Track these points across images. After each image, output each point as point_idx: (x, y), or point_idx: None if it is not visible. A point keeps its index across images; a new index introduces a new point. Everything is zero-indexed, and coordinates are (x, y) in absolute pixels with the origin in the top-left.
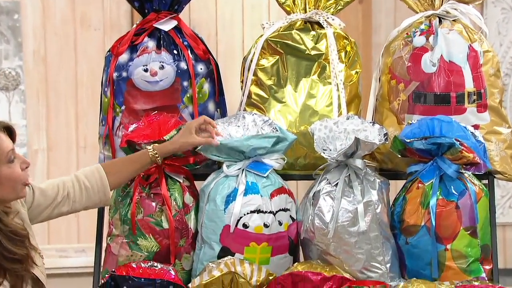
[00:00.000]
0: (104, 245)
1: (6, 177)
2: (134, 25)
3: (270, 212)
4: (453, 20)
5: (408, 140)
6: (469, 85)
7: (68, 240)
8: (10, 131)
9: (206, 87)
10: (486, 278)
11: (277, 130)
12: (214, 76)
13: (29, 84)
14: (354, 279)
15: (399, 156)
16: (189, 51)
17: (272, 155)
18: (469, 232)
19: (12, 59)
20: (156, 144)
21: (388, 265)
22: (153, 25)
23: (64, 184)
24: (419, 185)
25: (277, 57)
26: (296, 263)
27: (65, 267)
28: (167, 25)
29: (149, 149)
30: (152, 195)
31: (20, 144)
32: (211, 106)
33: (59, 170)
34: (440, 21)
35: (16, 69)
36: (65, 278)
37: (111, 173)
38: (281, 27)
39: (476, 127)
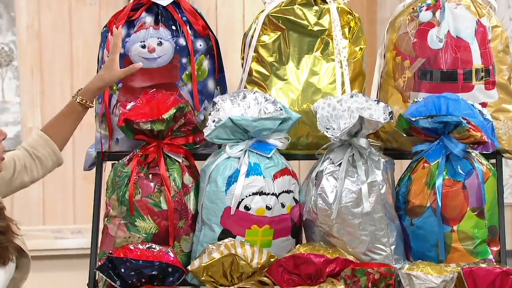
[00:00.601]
0: (101, 226)
1: None
2: (131, 0)
3: (273, 194)
4: None
5: (413, 119)
6: (477, 62)
7: (64, 221)
8: None
9: (206, 64)
10: (493, 260)
11: (281, 109)
12: (213, 52)
13: (23, 60)
14: (358, 261)
15: (404, 135)
16: (188, 26)
17: (275, 134)
18: (476, 213)
19: (5, 34)
20: (81, 89)
21: (392, 247)
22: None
23: (17, 156)
24: (425, 164)
25: (279, 33)
26: (299, 245)
27: (61, 248)
28: (165, 0)
29: (75, 97)
30: (150, 175)
31: (14, 122)
32: (210, 84)
33: None
34: None
35: (9, 45)
36: (61, 260)
37: (53, 134)
38: (283, 2)
39: (483, 105)
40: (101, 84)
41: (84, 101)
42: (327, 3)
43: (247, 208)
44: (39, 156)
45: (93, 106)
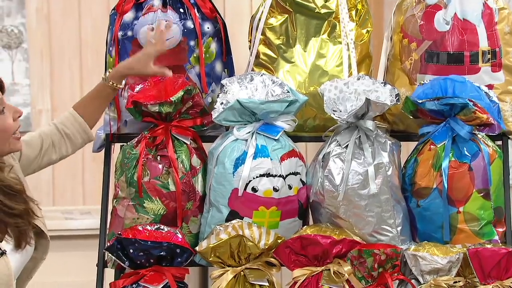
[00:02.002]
0: (110, 207)
1: None
2: None
3: (280, 175)
4: None
5: (420, 101)
6: (484, 44)
7: (73, 202)
8: None
9: (213, 46)
10: (499, 241)
11: (288, 92)
12: (221, 35)
13: (32, 43)
14: (364, 242)
15: (411, 117)
16: (195, 9)
17: (282, 116)
18: (482, 194)
19: (14, 16)
20: (110, 71)
21: (399, 228)
22: None
23: (45, 134)
24: (431, 146)
25: (286, 15)
26: (305, 226)
27: (71, 229)
28: None
29: (106, 80)
30: (158, 157)
31: (24, 104)
32: (218, 66)
33: None
34: None
35: (19, 27)
36: (70, 240)
37: (84, 113)
38: None
39: (490, 87)
40: (130, 72)
41: (112, 83)
42: None
43: (254, 189)
44: (68, 134)
45: (122, 88)
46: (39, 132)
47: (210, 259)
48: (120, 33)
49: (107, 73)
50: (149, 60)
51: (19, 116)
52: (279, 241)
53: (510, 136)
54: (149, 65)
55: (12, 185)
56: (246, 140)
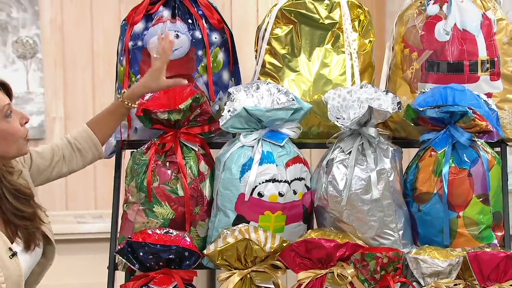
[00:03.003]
0: (120, 211)
1: (5, 132)
2: None
3: (285, 181)
4: None
5: (421, 109)
6: (482, 54)
7: (85, 206)
8: (5, 87)
9: (221, 56)
10: (498, 245)
11: (293, 100)
12: (228, 45)
13: (46, 53)
14: (367, 246)
15: (412, 124)
16: (203, 20)
17: (287, 124)
18: (481, 199)
19: (29, 28)
20: (126, 91)
21: (400, 232)
22: None
23: (58, 147)
24: (432, 153)
25: (291, 26)
26: (310, 230)
27: (83, 232)
28: None
29: (121, 99)
30: (167, 163)
31: (38, 112)
32: (225, 75)
33: None
34: None
35: (34, 38)
36: (82, 243)
37: (97, 129)
38: None
39: (489, 95)
40: (146, 91)
41: (127, 102)
42: None
43: (260, 194)
44: (80, 149)
45: (136, 107)
46: (51, 145)
47: (218, 262)
48: (130, 43)
49: (123, 91)
50: (160, 74)
51: (26, 122)
52: (284, 244)
53: (508, 143)
54: (162, 79)
55: (21, 189)
56: (253, 147)
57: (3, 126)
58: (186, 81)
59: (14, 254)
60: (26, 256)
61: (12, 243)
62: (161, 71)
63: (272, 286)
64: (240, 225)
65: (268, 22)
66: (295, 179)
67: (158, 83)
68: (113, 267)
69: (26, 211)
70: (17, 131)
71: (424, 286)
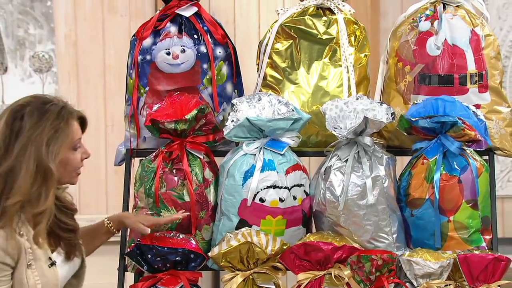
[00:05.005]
0: None
1: (67, 162)
2: (158, 11)
3: (285, 187)
4: (456, 6)
5: (413, 119)
6: (471, 67)
7: (97, 211)
8: (83, 121)
9: (224, 69)
10: (486, 247)
11: (293, 111)
12: (232, 59)
13: (61, 67)
14: (363, 249)
15: (405, 134)
16: (208, 35)
17: (288, 133)
18: (470, 204)
19: (45, 43)
20: (113, 216)
21: (394, 236)
22: (175, 11)
23: None
24: (424, 161)
25: (291, 41)
26: (309, 233)
27: None
28: (188, 11)
29: (106, 221)
30: (174, 170)
31: None
32: (229, 87)
33: (89, 147)
34: (444, 7)
35: (49, 53)
36: None
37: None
38: (294, 13)
39: (477, 106)
40: (125, 220)
41: (110, 225)
42: (335, 14)
43: (262, 200)
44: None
45: (117, 234)
46: None
47: (222, 263)
48: (139, 57)
49: (109, 217)
50: (145, 229)
51: (86, 158)
52: (284, 247)
53: (495, 152)
54: (139, 224)
55: (68, 205)
56: (255, 155)
57: (69, 155)
58: (149, 231)
59: (53, 264)
60: (65, 267)
61: (52, 253)
62: (146, 231)
63: (273, 286)
64: (243, 229)
65: (269, 37)
66: (295, 185)
67: (135, 224)
68: (123, 269)
69: (71, 224)
70: (77, 164)
71: (417, 286)
